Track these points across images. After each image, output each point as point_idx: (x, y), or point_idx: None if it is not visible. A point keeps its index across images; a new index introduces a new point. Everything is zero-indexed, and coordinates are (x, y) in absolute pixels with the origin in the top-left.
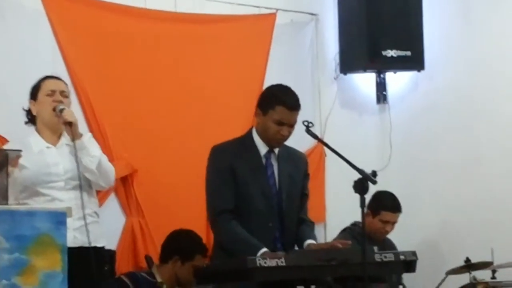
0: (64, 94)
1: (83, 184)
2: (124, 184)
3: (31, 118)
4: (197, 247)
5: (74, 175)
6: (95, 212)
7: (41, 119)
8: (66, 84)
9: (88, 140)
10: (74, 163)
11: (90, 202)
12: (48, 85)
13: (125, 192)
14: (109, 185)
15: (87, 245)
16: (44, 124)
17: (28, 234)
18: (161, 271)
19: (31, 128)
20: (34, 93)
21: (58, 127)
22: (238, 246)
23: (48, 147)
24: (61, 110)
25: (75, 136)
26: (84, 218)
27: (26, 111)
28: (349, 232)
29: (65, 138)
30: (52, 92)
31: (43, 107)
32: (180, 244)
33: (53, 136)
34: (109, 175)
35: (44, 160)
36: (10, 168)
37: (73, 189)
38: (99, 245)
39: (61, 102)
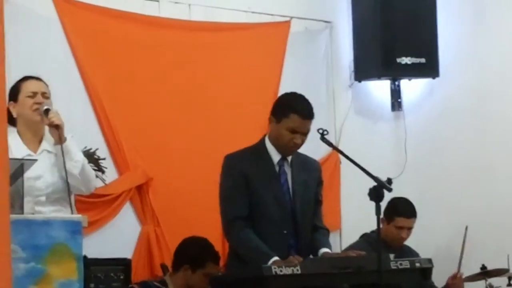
0: (45, 95)
1: (65, 196)
2: (140, 193)
3: (10, 121)
4: (207, 254)
5: (56, 189)
6: None
7: (22, 120)
8: (46, 84)
9: (71, 143)
10: (55, 175)
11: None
12: (29, 87)
13: (141, 201)
14: (89, 191)
15: None
16: (25, 126)
17: (44, 243)
18: (173, 279)
19: (12, 129)
20: (14, 94)
21: (40, 128)
22: (249, 254)
23: (29, 155)
24: (46, 111)
25: (61, 139)
26: None
27: None
28: (366, 238)
29: (46, 143)
30: (34, 94)
31: (25, 109)
32: (189, 252)
33: (34, 138)
34: (91, 181)
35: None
36: None
37: (54, 202)
38: None
39: (42, 104)
